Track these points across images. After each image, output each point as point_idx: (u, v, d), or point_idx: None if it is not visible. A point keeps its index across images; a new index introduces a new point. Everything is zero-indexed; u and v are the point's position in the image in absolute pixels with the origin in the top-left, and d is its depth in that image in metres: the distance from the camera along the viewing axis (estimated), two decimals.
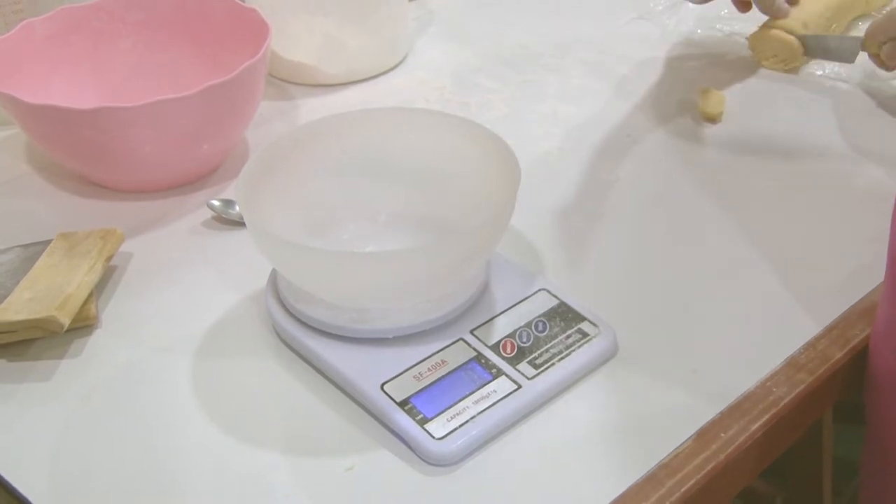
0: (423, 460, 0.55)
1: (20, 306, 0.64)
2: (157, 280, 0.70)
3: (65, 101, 0.73)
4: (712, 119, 0.84)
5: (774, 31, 0.91)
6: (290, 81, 0.94)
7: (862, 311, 0.65)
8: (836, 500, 1.08)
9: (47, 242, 0.71)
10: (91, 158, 0.76)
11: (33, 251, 0.70)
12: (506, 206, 0.59)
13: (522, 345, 0.61)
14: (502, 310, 0.63)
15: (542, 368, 0.59)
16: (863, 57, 0.86)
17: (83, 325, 0.65)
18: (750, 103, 0.87)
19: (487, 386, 0.58)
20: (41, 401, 0.61)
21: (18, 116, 0.75)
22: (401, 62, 0.97)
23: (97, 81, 0.85)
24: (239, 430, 0.58)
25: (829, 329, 0.64)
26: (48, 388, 0.62)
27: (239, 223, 0.75)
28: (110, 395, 0.61)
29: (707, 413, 0.58)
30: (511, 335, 0.61)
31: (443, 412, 0.56)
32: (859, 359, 0.63)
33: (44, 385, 0.62)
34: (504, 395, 0.58)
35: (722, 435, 0.57)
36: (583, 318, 0.62)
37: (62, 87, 0.82)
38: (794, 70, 0.91)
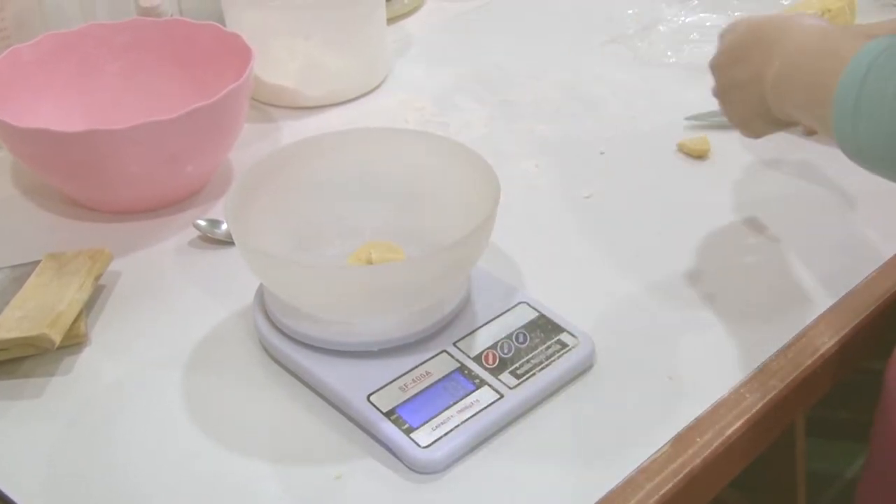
0: (410, 468, 0.57)
1: (12, 324, 0.65)
2: (146, 298, 0.72)
3: (53, 125, 0.74)
4: (700, 156, 0.86)
5: None
6: (272, 104, 0.96)
7: (830, 320, 0.67)
8: None
9: (36, 263, 0.72)
10: (79, 180, 0.77)
11: (22, 272, 0.72)
12: (486, 221, 0.61)
13: (504, 356, 0.62)
14: (484, 322, 0.65)
15: (524, 378, 0.61)
16: None
17: (73, 342, 0.66)
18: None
19: (471, 396, 0.60)
20: (33, 417, 0.62)
21: (7, 140, 0.77)
22: (380, 84, 0.99)
23: (84, 105, 0.86)
24: (228, 442, 0.59)
25: (799, 337, 0.66)
26: (39, 405, 0.63)
27: (225, 242, 0.76)
28: (101, 411, 0.62)
29: (683, 419, 0.60)
30: (493, 346, 0.63)
31: (428, 421, 0.58)
32: (828, 366, 0.65)
33: (35, 402, 0.63)
34: (487, 404, 0.59)
35: (698, 439, 0.59)
36: (562, 330, 0.64)
37: (50, 110, 0.83)
38: None
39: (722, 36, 0.71)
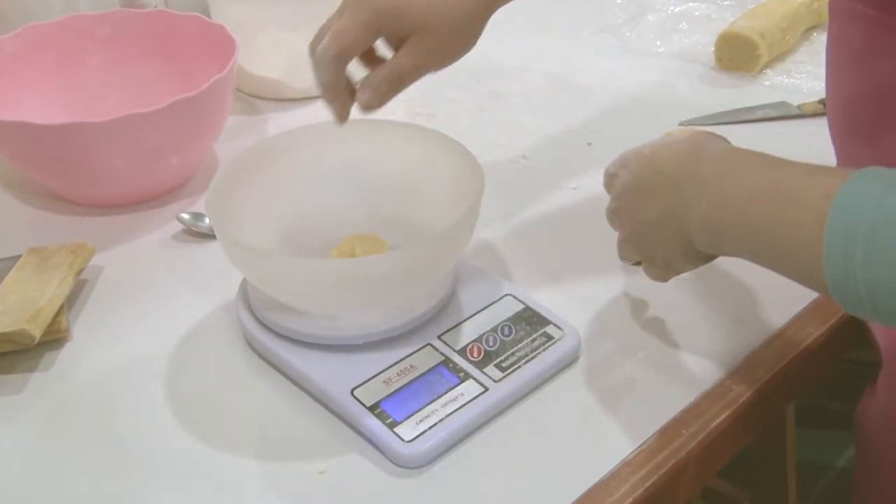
0: (394, 462, 0.56)
1: None
2: (128, 292, 0.71)
3: (34, 118, 0.74)
4: None
5: (735, 31, 0.94)
6: (258, 96, 0.95)
7: (815, 312, 0.67)
8: (802, 503, 1.10)
9: (16, 257, 0.71)
10: (62, 173, 0.77)
11: (2, 266, 0.71)
12: (470, 213, 0.61)
13: (489, 349, 0.62)
14: (469, 315, 0.64)
15: (509, 371, 0.60)
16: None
17: (54, 338, 0.66)
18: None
19: (455, 389, 0.59)
20: (13, 413, 0.61)
21: None
22: None
23: (66, 98, 0.85)
24: (212, 438, 0.59)
25: (785, 328, 0.66)
26: (20, 401, 0.62)
27: (209, 236, 0.75)
28: (82, 407, 0.62)
29: (669, 411, 0.60)
30: (478, 339, 0.62)
31: (412, 415, 0.57)
32: (813, 357, 0.65)
33: (16, 398, 0.62)
34: (471, 397, 0.59)
35: (683, 432, 0.58)
36: (548, 322, 0.64)
37: (32, 103, 0.83)
38: (752, 72, 0.94)
39: (612, 176, 0.62)
